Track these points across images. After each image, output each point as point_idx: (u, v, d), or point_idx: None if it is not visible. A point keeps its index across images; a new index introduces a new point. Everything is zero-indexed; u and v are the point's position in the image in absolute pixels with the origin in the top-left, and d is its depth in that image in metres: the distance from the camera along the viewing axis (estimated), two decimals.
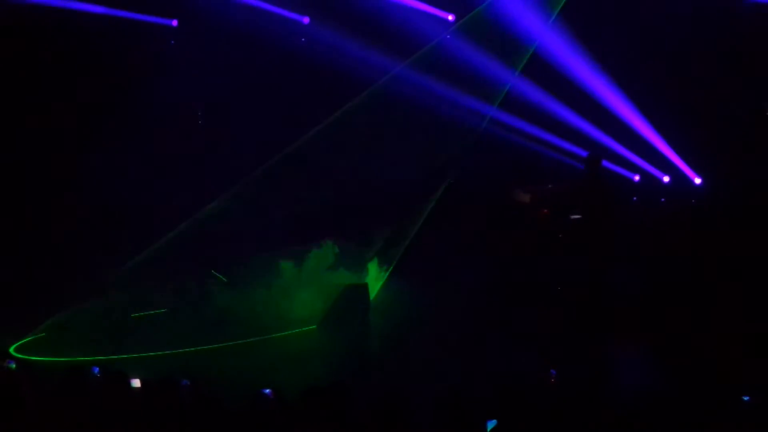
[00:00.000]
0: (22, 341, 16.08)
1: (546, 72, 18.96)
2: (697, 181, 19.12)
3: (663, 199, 19.25)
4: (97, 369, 10.07)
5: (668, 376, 12.57)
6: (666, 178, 19.27)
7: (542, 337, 14.71)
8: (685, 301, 15.70)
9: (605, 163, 18.30)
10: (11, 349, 15.49)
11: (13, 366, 10.14)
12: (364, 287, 17.52)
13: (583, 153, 18.29)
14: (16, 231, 18.08)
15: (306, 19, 20.18)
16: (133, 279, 17.78)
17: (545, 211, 18.42)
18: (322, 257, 18.15)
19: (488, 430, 8.71)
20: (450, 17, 20.05)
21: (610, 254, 16.50)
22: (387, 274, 18.31)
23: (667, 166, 19.21)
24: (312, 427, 8.63)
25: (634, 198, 19.38)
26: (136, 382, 9.72)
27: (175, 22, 20.21)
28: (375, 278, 18.11)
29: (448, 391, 8.90)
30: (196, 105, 19.93)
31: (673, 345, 14.12)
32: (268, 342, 16.02)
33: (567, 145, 19.04)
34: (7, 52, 18.52)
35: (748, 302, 15.23)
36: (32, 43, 18.82)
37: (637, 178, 19.32)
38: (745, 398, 8.96)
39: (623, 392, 11.44)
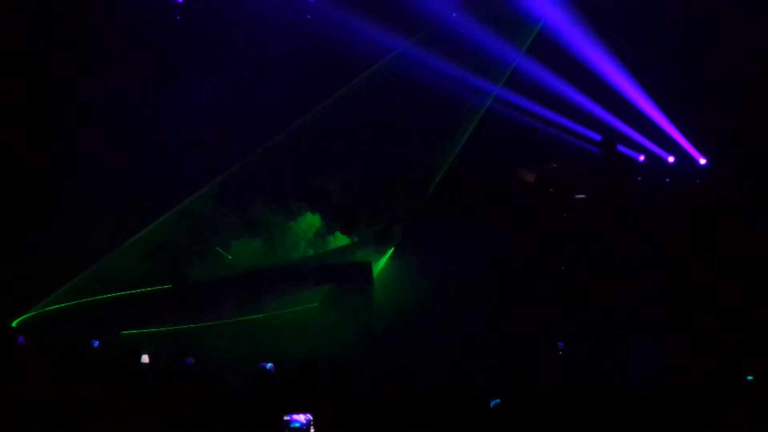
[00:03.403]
0: (25, 316, 16.11)
1: (552, 51, 18.91)
2: (702, 161, 19.08)
3: (668, 179, 19.22)
4: (98, 342, 10.11)
5: (671, 358, 12.59)
6: (671, 158, 19.23)
7: (546, 315, 14.75)
8: (687, 283, 15.73)
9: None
10: (14, 324, 15.54)
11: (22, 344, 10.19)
12: (368, 265, 17.52)
13: (589, 132, 18.29)
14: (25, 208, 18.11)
15: None
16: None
17: (550, 190, 18.41)
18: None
19: (491, 407, 8.72)
20: None
21: (625, 233, 16.61)
22: (391, 252, 18.31)
23: (672, 147, 19.17)
24: (311, 401, 8.65)
25: (639, 178, 19.36)
26: (145, 358, 9.75)
27: None
28: (379, 256, 18.11)
29: (451, 370, 8.92)
30: (200, 80, 19.85)
31: (676, 327, 14.16)
32: (273, 319, 16.04)
33: (572, 125, 19.00)
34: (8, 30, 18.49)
35: (750, 284, 15.27)
36: (35, 21, 18.78)
37: (642, 157, 19.28)
38: (749, 378, 8.98)
39: (627, 374, 11.47)
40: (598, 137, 18.46)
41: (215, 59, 19.49)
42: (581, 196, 18.28)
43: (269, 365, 9.07)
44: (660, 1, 18.77)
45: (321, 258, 17.82)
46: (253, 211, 18.20)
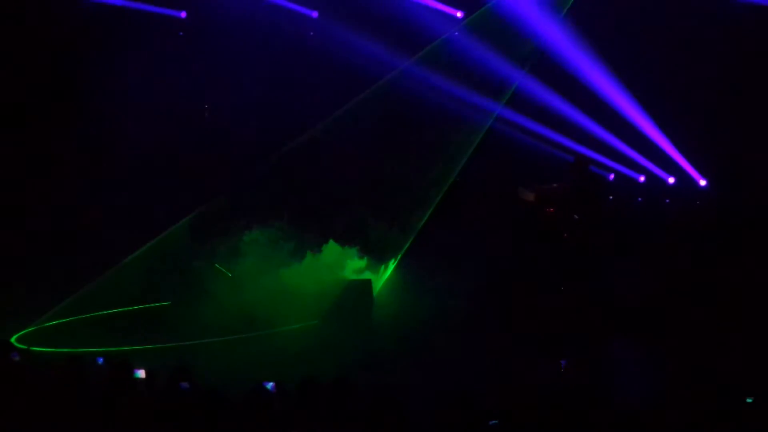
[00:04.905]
0: (24, 331, 16.08)
1: (553, 71, 18.95)
2: (702, 183, 19.10)
3: (668, 200, 19.26)
4: (102, 359, 10.10)
5: (669, 377, 12.58)
6: (671, 180, 19.25)
7: (546, 335, 14.74)
8: (688, 301, 15.74)
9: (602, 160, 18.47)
10: (12, 339, 15.52)
11: (17, 358, 10.17)
12: (368, 283, 17.51)
13: (589, 153, 18.33)
14: (21, 221, 18.10)
15: (315, 14, 20.18)
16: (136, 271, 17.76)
17: (550, 209, 18.42)
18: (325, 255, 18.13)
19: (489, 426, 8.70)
20: (459, 14, 20.04)
21: (596, 250, 16.66)
22: (391, 269, 18.29)
23: (673, 168, 19.20)
24: (312, 420, 8.63)
25: (639, 199, 19.40)
26: (142, 373, 9.71)
27: (183, 14, 20.20)
28: (379, 274, 18.10)
29: (451, 390, 8.89)
30: (203, 96, 19.90)
31: (675, 345, 14.15)
32: (272, 336, 16.02)
33: (573, 145, 19.03)
34: (11, 40, 18.52)
35: (750, 305, 15.27)
36: (38, 31, 18.81)
37: (642, 178, 19.32)
38: (749, 400, 8.95)
39: (625, 392, 11.44)
40: (599, 158, 18.52)
41: (216, 75, 19.55)
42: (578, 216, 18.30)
43: (270, 384, 9.05)
44: (661, 22, 18.81)
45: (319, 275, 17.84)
46: (249, 229, 18.23)
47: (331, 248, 18.04)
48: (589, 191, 17.41)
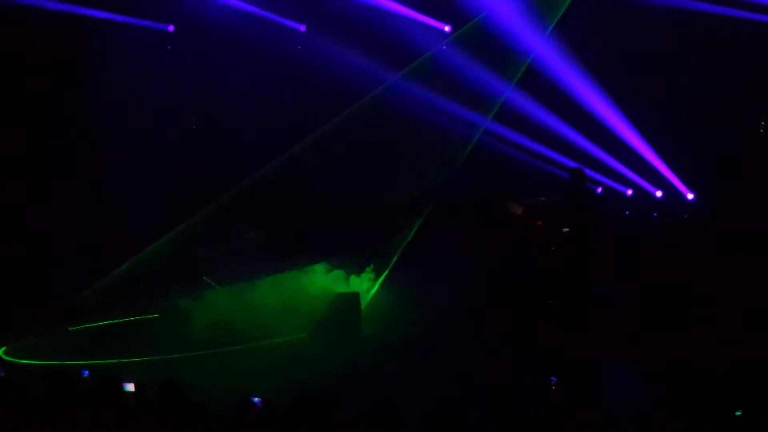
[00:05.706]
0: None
1: (541, 85, 19.00)
2: (690, 196, 19.15)
3: (655, 214, 19.30)
4: (87, 372, 10.05)
5: (659, 391, 12.59)
6: (658, 193, 19.30)
7: (535, 349, 14.74)
8: (678, 316, 15.76)
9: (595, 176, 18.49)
10: (0, 352, 15.47)
11: (2, 374, 10.14)
12: (356, 296, 17.47)
13: (577, 166, 18.36)
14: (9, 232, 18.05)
15: (302, 27, 20.19)
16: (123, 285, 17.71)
17: (538, 223, 18.42)
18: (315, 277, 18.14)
19: None
20: (446, 28, 20.07)
21: (590, 266, 16.69)
22: (378, 283, 18.28)
23: (660, 181, 19.24)
24: None
25: (627, 212, 19.43)
26: (131, 386, 9.67)
27: (171, 28, 20.18)
28: (366, 287, 18.07)
29: (438, 404, 8.88)
30: (190, 111, 19.88)
31: (665, 359, 14.16)
32: (258, 349, 15.98)
33: (560, 158, 19.07)
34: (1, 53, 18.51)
35: (740, 316, 15.31)
36: (26, 45, 18.77)
37: (629, 192, 19.36)
38: (738, 413, 8.97)
39: (614, 407, 11.45)
40: (586, 171, 18.56)
41: (203, 89, 19.54)
42: (568, 229, 18.30)
43: (257, 399, 9.01)
44: (651, 37, 18.90)
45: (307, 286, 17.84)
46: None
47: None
48: (583, 204, 17.45)
